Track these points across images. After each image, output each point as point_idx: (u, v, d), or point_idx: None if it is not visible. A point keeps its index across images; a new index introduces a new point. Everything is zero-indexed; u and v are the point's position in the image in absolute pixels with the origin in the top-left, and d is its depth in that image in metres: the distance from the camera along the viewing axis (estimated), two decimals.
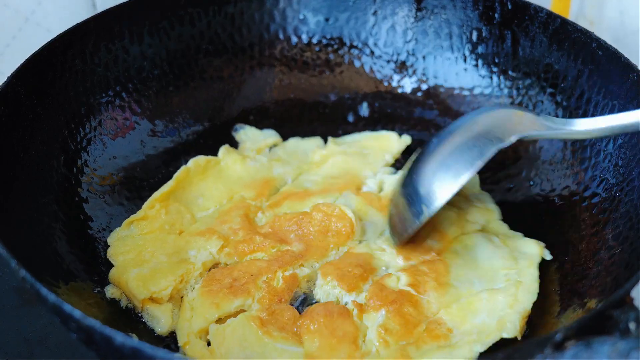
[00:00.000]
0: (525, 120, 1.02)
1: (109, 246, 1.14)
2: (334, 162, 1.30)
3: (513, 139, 0.99)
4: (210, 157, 1.27)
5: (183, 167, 1.24)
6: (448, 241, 1.14)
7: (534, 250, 1.13)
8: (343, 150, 1.32)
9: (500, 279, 1.08)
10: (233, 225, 1.16)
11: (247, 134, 1.36)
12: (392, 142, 1.34)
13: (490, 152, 0.97)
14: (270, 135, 1.36)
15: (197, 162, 1.26)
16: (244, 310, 1.05)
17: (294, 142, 1.36)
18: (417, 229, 1.05)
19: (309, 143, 1.35)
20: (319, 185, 1.25)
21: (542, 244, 1.14)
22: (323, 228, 1.14)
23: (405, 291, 1.05)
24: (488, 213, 1.21)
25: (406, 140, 1.35)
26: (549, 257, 1.12)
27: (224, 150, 1.29)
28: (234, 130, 1.36)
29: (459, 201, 1.21)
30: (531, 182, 1.25)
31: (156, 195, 1.20)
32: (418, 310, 1.03)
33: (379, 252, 1.13)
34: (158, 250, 1.12)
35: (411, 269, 1.09)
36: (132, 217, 1.17)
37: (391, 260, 1.12)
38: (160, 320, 1.04)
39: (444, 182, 0.98)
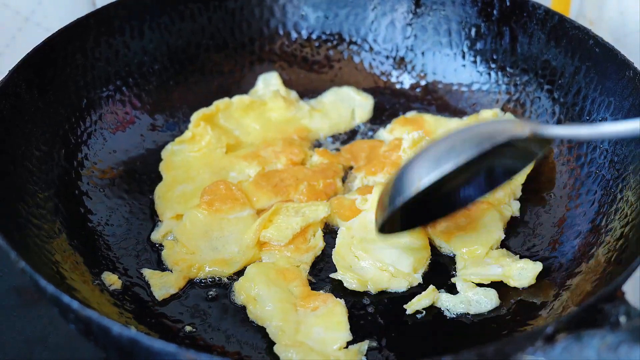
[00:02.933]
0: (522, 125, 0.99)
1: (110, 239, 1.15)
2: None
3: (527, 131, 0.96)
4: (254, 99, 1.33)
5: (224, 99, 1.31)
6: None
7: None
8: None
9: None
10: (276, 149, 1.25)
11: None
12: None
13: (481, 148, 0.94)
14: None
15: (241, 99, 1.32)
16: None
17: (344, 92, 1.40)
18: (392, 213, 1.01)
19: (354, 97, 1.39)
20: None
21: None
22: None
23: None
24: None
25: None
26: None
27: (267, 88, 1.37)
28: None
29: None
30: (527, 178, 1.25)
31: (199, 114, 1.27)
32: None
33: None
34: (203, 168, 1.23)
35: None
36: (181, 137, 1.27)
37: None
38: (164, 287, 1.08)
39: (428, 171, 0.96)
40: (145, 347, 0.80)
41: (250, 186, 1.19)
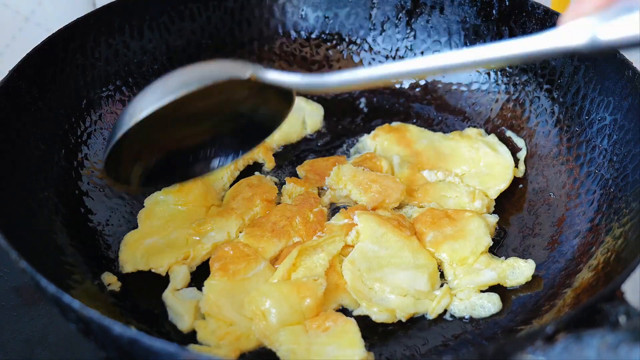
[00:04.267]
0: (267, 70, 0.98)
1: (110, 239, 1.15)
2: None
3: (248, 73, 0.95)
4: None
5: None
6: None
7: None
8: None
9: None
10: (245, 195, 1.19)
11: None
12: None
13: (219, 77, 0.93)
14: None
15: None
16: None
17: None
18: (114, 149, 0.95)
19: None
20: None
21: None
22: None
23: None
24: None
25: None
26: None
27: None
28: None
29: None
30: (526, 178, 1.26)
31: None
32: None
33: None
34: (182, 224, 1.15)
35: None
36: (168, 188, 1.18)
37: None
38: (184, 317, 1.04)
39: (147, 104, 0.92)
40: (145, 347, 0.80)
41: (249, 240, 1.12)
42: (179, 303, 1.04)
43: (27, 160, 1.11)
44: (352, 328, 1.00)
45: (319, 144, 1.33)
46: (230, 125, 1.04)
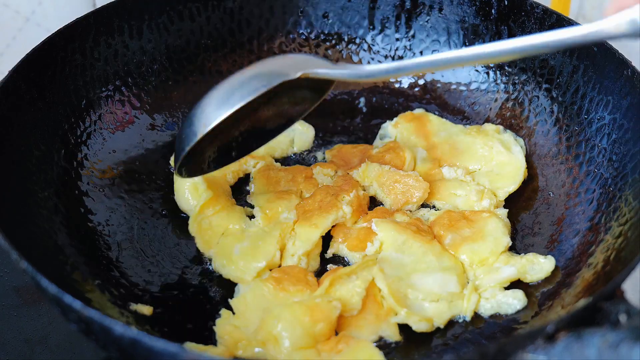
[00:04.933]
0: (313, 61, 1.08)
1: (110, 239, 1.15)
2: None
3: (298, 74, 1.04)
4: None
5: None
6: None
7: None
8: None
9: None
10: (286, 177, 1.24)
11: None
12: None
13: (270, 84, 1.03)
14: None
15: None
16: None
17: None
18: (191, 147, 1.05)
19: None
20: None
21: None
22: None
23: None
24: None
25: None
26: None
27: None
28: None
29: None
30: (526, 177, 1.26)
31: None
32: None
33: None
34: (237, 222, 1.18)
35: None
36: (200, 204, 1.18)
37: None
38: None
39: (221, 106, 1.03)
40: (146, 347, 0.80)
41: (299, 225, 1.14)
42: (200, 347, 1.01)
43: (27, 160, 1.11)
44: (365, 344, 0.98)
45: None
46: (269, 113, 1.14)
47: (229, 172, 1.25)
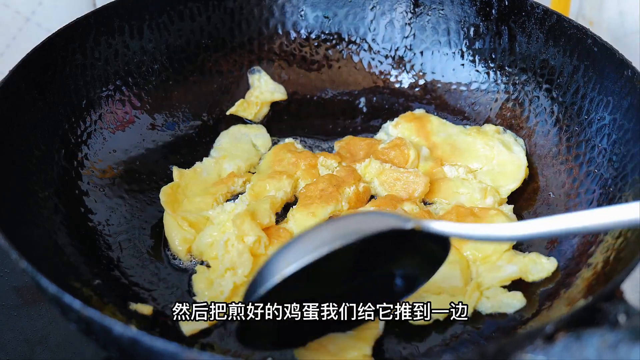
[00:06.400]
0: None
1: (110, 239, 1.15)
2: None
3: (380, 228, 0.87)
4: (174, 183, 1.23)
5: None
6: None
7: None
8: None
9: None
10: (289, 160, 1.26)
11: (260, 80, 1.40)
12: None
13: (335, 244, 0.85)
14: (278, 90, 1.40)
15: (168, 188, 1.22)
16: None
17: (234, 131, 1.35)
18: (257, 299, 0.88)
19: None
20: None
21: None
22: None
23: None
24: None
25: None
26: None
27: (176, 172, 1.25)
28: (250, 72, 1.40)
29: None
30: (526, 177, 1.26)
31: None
32: None
33: None
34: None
35: None
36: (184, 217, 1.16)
37: None
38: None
39: (282, 264, 0.86)
40: (146, 347, 0.80)
41: (298, 210, 1.16)
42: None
43: (27, 160, 1.11)
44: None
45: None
46: (373, 274, 0.96)
47: (220, 195, 1.23)
